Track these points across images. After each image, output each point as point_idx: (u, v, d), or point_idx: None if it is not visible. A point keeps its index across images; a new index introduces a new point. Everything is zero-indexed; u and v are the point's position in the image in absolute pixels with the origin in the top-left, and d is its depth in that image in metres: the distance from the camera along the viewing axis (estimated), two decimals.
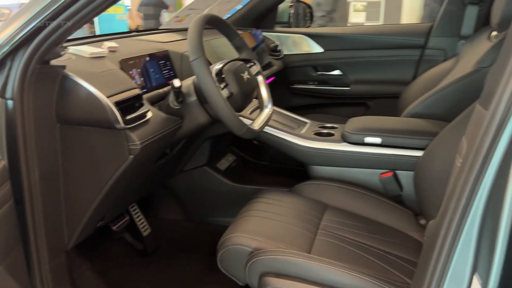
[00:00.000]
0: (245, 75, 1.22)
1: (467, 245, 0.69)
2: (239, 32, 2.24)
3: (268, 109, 1.34)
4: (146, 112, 1.09)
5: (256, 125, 1.21)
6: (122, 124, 0.99)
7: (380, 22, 5.11)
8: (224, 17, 2.32)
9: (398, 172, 1.44)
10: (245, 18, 2.28)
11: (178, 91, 1.16)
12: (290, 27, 2.48)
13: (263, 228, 1.15)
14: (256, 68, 1.36)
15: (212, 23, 1.22)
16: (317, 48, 2.30)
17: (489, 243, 0.67)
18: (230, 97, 1.15)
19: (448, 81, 1.61)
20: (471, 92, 1.53)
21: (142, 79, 1.24)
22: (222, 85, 1.13)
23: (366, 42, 2.22)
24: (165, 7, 6.66)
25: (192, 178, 1.69)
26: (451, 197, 0.71)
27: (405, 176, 1.43)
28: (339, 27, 2.66)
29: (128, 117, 1.01)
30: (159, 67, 1.34)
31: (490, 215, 0.66)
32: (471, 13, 1.95)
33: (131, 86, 1.08)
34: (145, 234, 1.71)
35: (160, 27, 1.98)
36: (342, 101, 2.37)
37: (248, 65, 1.31)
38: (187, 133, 1.24)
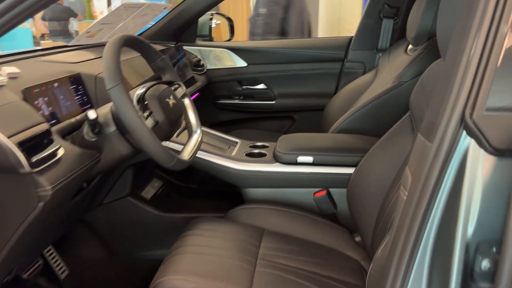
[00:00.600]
0: (171, 100, 1.12)
1: (418, 281, 0.67)
2: (158, 47, 2.15)
3: (197, 134, 1.25)
4: (57, 149, 0.94)
5: (186, 155, 1.12)
6: (27, 168, 0.84)
7: None
8: (141, 31, 2.19)
9: (331, 190, 1.43)
10: (164, 32, 2.17)
11: (94, 122, 1.03)
12: (211, 40, 2.41)
13: (198, 266, 1.05)
14: (181, 90, 1.27)
15: (130, 44, 1.11)
16: (240, 62, 2.26)
17: (441, 279, 0.65)
18: (155, 126, 1.05)
19: (371, 95, 1.65)
20: (394, 106, 1.58)
21: (50, 108, 1.08)
22: (145, 114, 1.03)
23: (288, 56, 2.23)
24: (74, 15, 6.23)
25: (114, 210, 1.54)
26: (399, 232, 0.69)
27: (339, 194, 1.43)
28: (262, 41, 2.64)
29: (35, 158, 0.86)
30: (70, 93, 1.19)
31: (441, 249, 0.65)
32: (387, 26, 2.03)
33: (37, 121, 0.93)
34: (62, 277, 1.52)
35: (70, 43, 1.79)
36: (269, 115, 2.35)
37: (172, 88, 1.22)
38: (107, 167, 1.11)
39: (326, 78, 2.21)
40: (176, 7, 2.12)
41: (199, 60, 2.24)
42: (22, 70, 1.15)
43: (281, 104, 2.28)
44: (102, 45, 1.94)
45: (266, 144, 1.62)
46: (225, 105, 2.34)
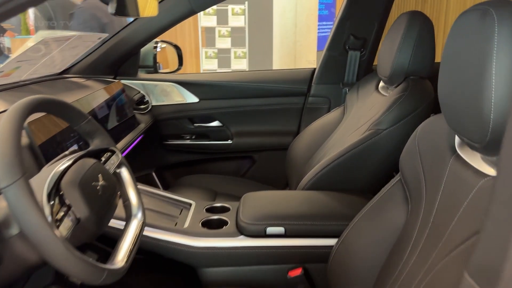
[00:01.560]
0: (100, 182, 0.83)
1: None
2: (92, 83, 1.82)
3: (138, 220, 0.96)
4: None
5: (121, 260, 0.82)
6: None
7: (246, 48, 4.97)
8: (70, 64, 1.86)
9: (308, 266, 1.19)
10: (98, 65, 1.85)
11: None
12: (156, 71, 2.11)
13: None
14: (115, 158, 0.98)
15: (42, 109, 0.81)
16: (191, 98, 1.98)
17: None
18: (76, 226, 0.75)
19: (343, 142, 1.44)
20: (372, 157, 1.38)
21: None
22: (60, 214, 0.72)
23: (245, 90, 1.98)
24: (2, 31, 5.63)
25: None
26: None
27: (317, 271, 1.19)
28: (215, 73, 2.38)
29: None
30: None
31: None
32: (353, 59, 1.84)
33: None
34: None
35: None
36: (225, 155, 2.08)
37: (103, 159, 0.93)
38: (9, 280, 0.79)
39: (288, 114, 1.99)
40: (113, 36, 1.82)
41: (143, 97, 1.94)
42: None
43: (239, 143, 2.02)
44: (22, 85, 1.59)
45: (226, 205, 1.35)
46: (174, 146, 2.05)
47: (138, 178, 2.07)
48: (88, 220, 0.76)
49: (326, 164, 1.36)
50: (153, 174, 2.06)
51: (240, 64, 4.94)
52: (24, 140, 1.02)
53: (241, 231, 1.19)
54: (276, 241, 1.18)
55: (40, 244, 0.65)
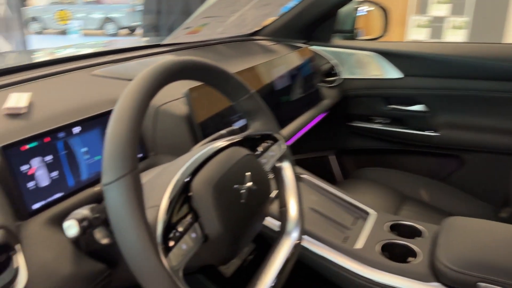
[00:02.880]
0: (246, 185, 0.59)
1: None
2: (280, 48, 1.63)
3: (292, 239, 0.70)
4: (14, 278, 0.50)
5: None
6: None
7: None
8: (261, 27, 1.69)
9: None
10: (290, 28, 1.63)
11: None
12: (354, 37, 1.79)
13: None
14: (278, 148, 0.73)
15: (187, 75, 0.60)
16: (392, 72, 1.60)
17: None
18: (201, 245, 0.53)
19: None
20: None
21: (55, 173, 0.65)
22: (182, 224, 0.51)
23: (468, 68, 1.49)
24: None
25: None
26: None
27: None
28: (430, 44, 1.91)
29: None
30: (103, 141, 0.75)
31: None
32: None
33: None
34: None
35: (164, 41, 1.39)
36: (423, 149, 1.66)
37: (259, 149, 0.69)
38: (127, 285, 0.64)
39: None
40: None
41: (332, 67, 1.65)
42: (41, 97, 0.75)
43: (446, 137, 1.56)
44: (208, 44, 1.50)
45: (418, 227, 0.99)
46: (361, 129, 1.72)
47: (314, 159, 1.84)
48: (219, 239, 0.53)
49: None
50: (331, 158, 1.79)
51: (456, 36, 4.15)
52: (182, 109, 0.86)
53: (437, 275, 0.82)
54: None
55: (136, 270, 0.45)
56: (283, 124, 1.25)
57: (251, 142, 0.68)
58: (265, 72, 1.21)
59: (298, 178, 0.76)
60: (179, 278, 0.46)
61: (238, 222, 0.56)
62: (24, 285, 0.51)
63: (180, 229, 0.49)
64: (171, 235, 0.48)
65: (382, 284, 0.84)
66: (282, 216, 0.73)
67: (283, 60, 1.33)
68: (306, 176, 1.12)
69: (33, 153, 0.63)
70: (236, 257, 0.64)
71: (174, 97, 0.87)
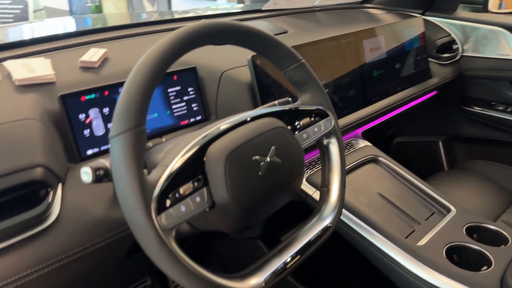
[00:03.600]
0: (268, 159, 0.56)
1: None
2: (386, 16, 1.47)
3: (325, 224, 0.65)
4: (46, 210, 0.57)
5: (256, 277, 0.56)
6: None
7: None
8: None
9: None
10: None
11: None
12: (485, 10, 1.54)
13: None
14: (326, 124, 0.68)
15: (221, 39, 0.58)
16: None
17: None
18: (208, 211, 0.53)
19: None
20: None
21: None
22: (183, 190, 0.51)
23: None
24: None
25: (242, 248, 1.13)
26: None
27: None
28: None
29: None
30: (167, 100, 0.78)
31: None
32: None
33: (26, 163, 0.57)
34: None
35: (264, 7, 1.37)
36: None
37: (300, 123, 0.65)
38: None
39: None
40: None
41: (451, 42, 1.45)
42: (116, 55, 0.82)
43: None
44: (309, 11, 1.44)
45: (504, 233, 0.84)
46: (478, 115, 1.50)
47: (420, 144, 1.67)
48: (226, 208, 0.53)
49: None
50: (440, 143, 1.61)
51: None
52: (245, 76, 0.85)
53: None
54: None
55: (129, 223, 0.47)
56: (378, 97, 1.15)
57: (292, 115, 0.65)
58: (358, 43, 1.12)
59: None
60: (168, 237, 0.47)
61: (251, 194, 0.54)
62: (54, 219, 0.57)
63: (184, 191, 0.50)
64: (170, 195, 0.49)
65: None
66: (320, 196, 0.69)
67: (385, 30, 1.21)
68: (383, 159, 1.03)
69: (91, 104, 0.69)
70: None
71: (239, 63, 0.87)
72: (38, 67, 0.71)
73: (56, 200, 0.59)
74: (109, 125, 0.71)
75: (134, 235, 0.47)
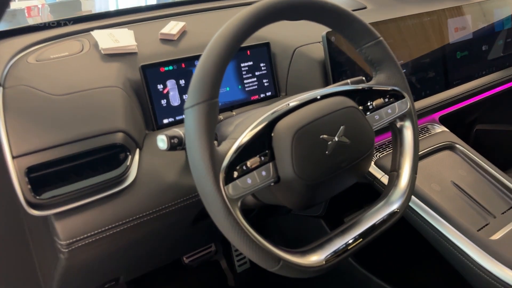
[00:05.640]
0: (336, 138, 0.56)
1: None
2: None
3: (392, 208, 0.63)
4: (125, 172, 0.62)
5: (317, 255, 0.56)
6: (29, 203, 0.56)
7: None
8: None
9: None
10: None
11: None
12: None
13: None
14: (401, 107, 0.65)
15: (296, 14, 0.57)
16: None
17: None
18: (272, 186, 0.54)
19: None
20: None
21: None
22: (250, 163, 0.52)
23: None
24: None
25: (303, 225, 1.13)
26: None
27: None
28: None
29: (47, 194, 0.56)
30: (239, 74, 0.80)
31: None
32: None
33: (108, 128, 0.61)
34: (239, 270, 1.31)
35: None
36: None
37: (373, 104, 0.63)
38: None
39: None
40: None
41: None
42: (194, 28, 0.84)
43: None
44: None
45: None
46: None
47: (506, 133, 1.54)
48: (290, 184, 0.53)
49: None
50: None
51: None
52: (318, 52, 0.84)
53: None
54: None
55: (199, 191, 0.49)
56: (460, 80, 1.08)
57: (365, 95, 0.63)
58: (441, 21, 1.05)
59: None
60: (234, 207, 0.49)
61: (316, 172, 0.54)
62: (131, 181, 0.62)
63: (251, 164, 0.51)
64: (238, 167, 0.50)
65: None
66: (389, 180, 0.67)
67: (473, 8, 1.12)
68: (461, 146, 0.97)
69: (169, 75, 0.73)
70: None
71: (313, 40, 0.86)
72: (122, 38, 0.75)
73: (134, 164, 0.63)
74: (185, 96, 0.74)
75: (203, 202, 0.49)
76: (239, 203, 0.50)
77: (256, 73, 0.82)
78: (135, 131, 0.65)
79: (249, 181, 0.51)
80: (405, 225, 0.84)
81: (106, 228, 0.60)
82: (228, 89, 0.79)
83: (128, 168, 0.62)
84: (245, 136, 0.52)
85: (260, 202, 0.64)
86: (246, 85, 0.81)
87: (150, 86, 0.70)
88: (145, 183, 0.63)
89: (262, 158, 0.53)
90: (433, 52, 1.03)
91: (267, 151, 0.53)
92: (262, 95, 0.83)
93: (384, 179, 0.85)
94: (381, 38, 0.63)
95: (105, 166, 0.61)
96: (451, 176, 0.90)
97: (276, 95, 0.85)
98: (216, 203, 0.48)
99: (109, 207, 0.61)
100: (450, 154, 0.97)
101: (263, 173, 0.53)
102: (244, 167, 0.51)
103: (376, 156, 0.91)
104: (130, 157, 0.62)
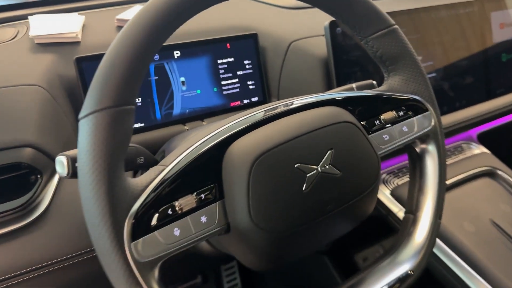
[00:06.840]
0: (317, 168, 0.37)
1: None
2: None
3: (403, 269, 0.44)
4: (30, 201, 0.45)
5: None
6: None
7: None
8: None
9: None
10: None
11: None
12: None
13: None
14: (425, 122, 0.46)
15: None
16: None
17: None
18: (226, 234, 0.36)
19: None
20: None
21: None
22: (182, 203, 0.34)
23: None
24: None
25: None
26: None
27: None
28: None
29: None
30: (214, 72, 0.62)
31: None
32: None
33: (10, 140, 0.45)
34: None
35: None
36: None
37: (380, 121, 0.44)
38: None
39: None
40: None
41: None
42: None
43: None
44: None
45: None
46: None
47: None
48: (246, 237, 0.35)
49: None
50: None
51: None
52: (320, 47, 0.65)
53: None
54: None
55: (97, 251, 0.32)
56: (505, 89, 0.88)
57: (371, 105, 0.44)
58: (481, 14, 0.84)
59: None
60: (146, 276, 0.31)
61: (286, 220, 0.36)
62: (40, 213, 0.45)
63: (181, 205, 0.33)
64: (161, 210, 0.32)
65: None
66: (403, 226, 0.47)
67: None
68: (504, 173, 0.76)
69: None
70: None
71: (313, 32, 0.67)
72: (65, 24, 0.59)
73: (48, 190, 0.46)
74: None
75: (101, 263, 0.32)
76: (156, 270, 0.32)
77: (239, 73, 0.64)
78: (55, 146, 0.48)
79: (176, 232, 0.33)
80: (427, 277, 0.64)
81: (2, 278, 0.44)
82: (198, 92, 0.61)
83: (35, 195, 0.45)
84: (179, 163, 0.34)
85: (218, 251, 0.46)
86: (224, 88, 0.63)
87: (87, 85, 0.54)
88: (60, 216, 0.46)
89: (203, 195, 0.35)
90: (469, 53, 0.82)
91: (212, 185, 0.35)
92: (246, 101, 0.65)
93: (402, 214, 0.66)
94: (396, 26, 0.44)
95: (9, 192, 0.45)
96: (490, 212, 0.70)
97: (265, 101, 0.67)
98: (114, 269, 0.30)
99: (9, 249, 0.44)
100: (490, 183, 0.76)
101: (203, 219, 0.35)
102: (170, 211, 0.33)
103: (393, 183, 0.71)
104: (40, 180, 0.46)
